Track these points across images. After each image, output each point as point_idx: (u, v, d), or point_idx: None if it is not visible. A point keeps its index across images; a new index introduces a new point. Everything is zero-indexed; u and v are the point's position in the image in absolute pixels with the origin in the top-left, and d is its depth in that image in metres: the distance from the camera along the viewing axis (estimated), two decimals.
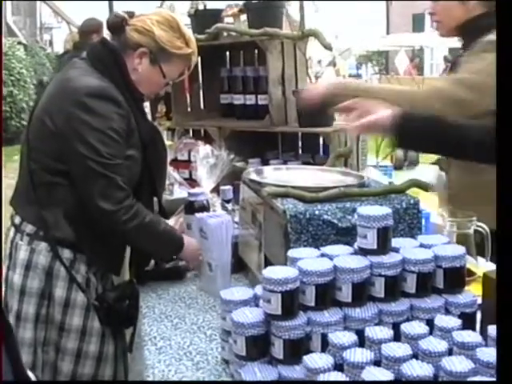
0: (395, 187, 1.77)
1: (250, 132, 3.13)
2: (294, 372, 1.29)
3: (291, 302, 1.31)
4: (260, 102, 3.10)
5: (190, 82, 3.36)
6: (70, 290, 1.87)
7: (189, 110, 3.40)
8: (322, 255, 1.45)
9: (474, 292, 1.49)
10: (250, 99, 3.14)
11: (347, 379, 1.06)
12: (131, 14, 2.01)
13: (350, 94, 2.01)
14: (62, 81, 1.92)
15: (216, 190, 2.66)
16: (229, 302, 1.44)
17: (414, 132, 1.77)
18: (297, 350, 1.31)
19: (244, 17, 3.09)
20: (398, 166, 7.79)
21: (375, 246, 1.43)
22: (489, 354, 1.11)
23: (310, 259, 1.41)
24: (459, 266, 1.46)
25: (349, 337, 1.21)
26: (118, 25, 1.98)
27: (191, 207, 2.30)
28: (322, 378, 1.06)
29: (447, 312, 1.41)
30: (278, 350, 1.31)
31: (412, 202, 1.69)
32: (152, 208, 2.07)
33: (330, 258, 1.42)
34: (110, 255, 1.95)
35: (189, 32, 2.06)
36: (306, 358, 1.15)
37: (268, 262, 1.78)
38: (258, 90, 3.10)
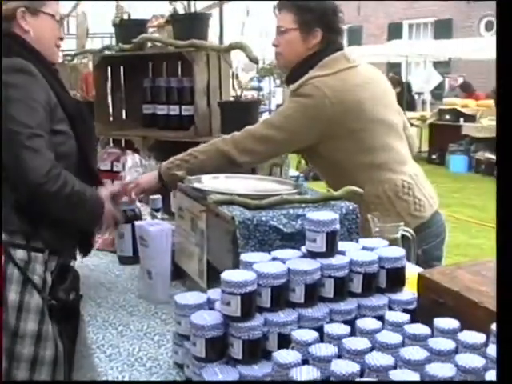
0: (333, 195, 1.85)
1: (173, 142, 3.16)
2: (253, 371, 1.34)
3: (250, 304, 1.36)
4: (184, 113, 3.14)
5: (112, 92, 3.35)
6: (24, 293, 1.83)
7: (111, 119, 3.39)
8: (274, 259, 1.51)
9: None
10: (174, 110, 3.17)
11: (318, 372, 1.12)
12: None
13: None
14: None
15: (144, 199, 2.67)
16: (184, 307, 1.47)
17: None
18: (255, 349, 1.37)
19: (168, 28, 3.13)
20: (306, 178, 8.10)
21: (324, 249, 1.51)
22: (438, 343, 1.21)
23: (265, 263, 1.46)
24: (400, 267, 1.57)
25: (311, 334, 1.28)
26: None
27: (123, 216, 2.31)
28: (294, 372, 1.11)
29: (390, 309, 1.51)
30: (237, 351, 1.36)
31: (351, 207, 1.78)
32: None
33: (282, 261, 1.48)
34: (66, 238, 1.95)
35: None
36: (276, 355, 1.20)
37: (211, 268, 1.83)
38: (182, 101, 3.14)
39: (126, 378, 1.51)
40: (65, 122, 1.93)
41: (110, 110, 3.38)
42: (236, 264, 1.62)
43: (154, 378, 1.51)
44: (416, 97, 14.53)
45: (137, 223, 2.05)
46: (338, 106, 2.31)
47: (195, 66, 2.90)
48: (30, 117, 1.81)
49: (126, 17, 3.15)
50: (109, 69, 3.32)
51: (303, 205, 1.80)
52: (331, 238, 1.52)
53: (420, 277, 1.63)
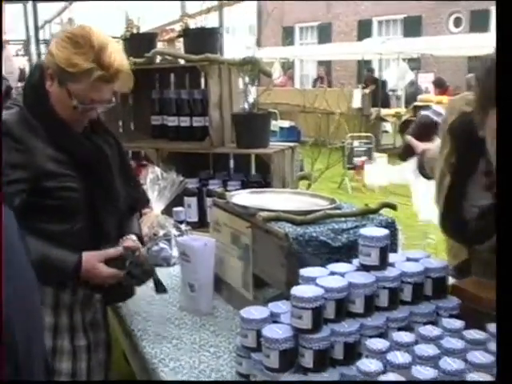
0: (370, 208, 1.96)
1: (184, 153, 3.24)
2: (323, 378, 1.44)
3: (319, 317, 1.47)
4: (195, 124, 3.22)
5: (121, 103, 3.42)
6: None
7: (121, 131, 3.46)
8: (332, 273, 1.61)
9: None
10: (185, 121, 3.25)
11: (402, 379, 1.22)
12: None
13: None
14: None
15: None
16: (251, 321, 1.56)
17: None
18: (324, 358, 1.47)
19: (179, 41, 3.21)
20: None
21: (377, 263, 1.62)
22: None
23: (325, 277, 1.57)
24: (444, 276, 1.68)
25: (384, 343, 1.38)
26: None
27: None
28: (381, 379, 1.22)
29: (437, 315, 1.62)
30: (308, 360, 1.46)
31: (390, 221, 1.90)
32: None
33: (341, 275, 1.59)
34: None
35: (107, 46, 1.85)
36: (360, 364, 1.30)
37: (259, 281, 1.93)
38: (193, 113, 3.22)
39: None
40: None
41: (120, 122, 3.44)
42: (289, 277, 1.73)
43: None
44: (390, 93, 14.77)
45: (179, 239, 2.14)
46: None
47: (209, 79, 2.99)
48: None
49: (135, 31, 3.22)
50: None
51: (343, 219, 1.91)
52: (383, 252, 1.62)
53: (455, 287, 1.74)
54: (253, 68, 3.12)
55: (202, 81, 3.32)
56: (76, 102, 1.86)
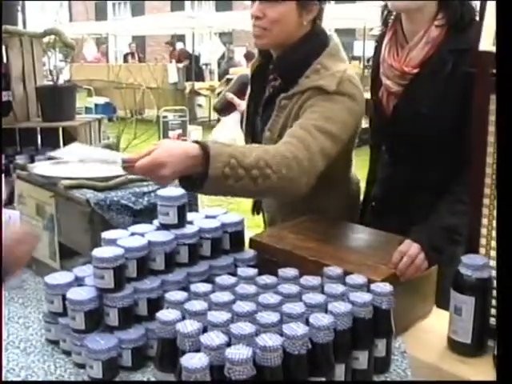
0: None
1: None
2: (129, 334, 1.52)
3: (121, 276, 1.54)
4: None
5: None
6: None
7: None
8: (133, 234, 1.68)
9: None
10: None
11: (199, 324, 1.32)
12: None
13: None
14: None
15: None
16: (56, 286, 1.60)
17: None
18: (129, 315, 1.55)
19: None
20: None
21: (176, 221, 1.71)
22: (286, 288, 1.48)
23: (126, 238, 1.63)
24: (240, 230, 1.82)
25: (182, 294, 1.48)
26: None
27: None
28: (179, 326, 1.31)
29: (236, 267, 1.74)
30: (113, 319, 1.53)
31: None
32: None
33: (141, 235, 1.66)
34: None
35: None
36: (160, 315, 1.38)
37: (65, 249, 1.95)
38: None
39: (4, 361, 1.59)
40: None
41: None
42: (94, 242, 1.77)
43: (31, 358, 1.61)
44: (204, 67, 14.99)
45: None
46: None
47: (10, 51, 2.91)
48: None
49: None
50: None
51: (145, 183, 1.98)
52: (181, 211, 1.72)
53: (252, 241, 1.89)
54: (56, 40, 3.09)
55: (4, 55, 3.21)
56: None
